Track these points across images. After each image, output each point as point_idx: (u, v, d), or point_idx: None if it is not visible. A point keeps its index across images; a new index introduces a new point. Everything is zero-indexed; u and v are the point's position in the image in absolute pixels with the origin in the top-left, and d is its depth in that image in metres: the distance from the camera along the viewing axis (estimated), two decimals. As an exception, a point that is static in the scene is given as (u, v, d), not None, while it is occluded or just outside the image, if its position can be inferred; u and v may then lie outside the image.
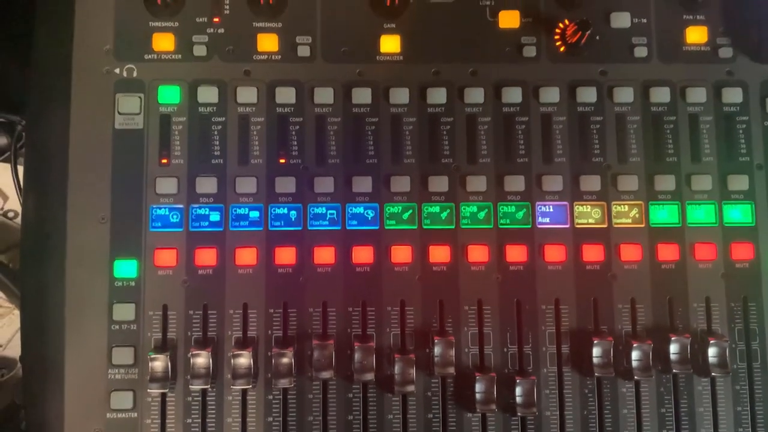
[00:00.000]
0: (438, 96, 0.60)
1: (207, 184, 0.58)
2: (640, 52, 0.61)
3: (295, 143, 0.59)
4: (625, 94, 0.61)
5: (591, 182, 0.60)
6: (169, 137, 0.59)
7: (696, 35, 0.62)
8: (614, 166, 0.60)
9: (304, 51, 0.60)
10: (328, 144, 0.59)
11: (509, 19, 0.61)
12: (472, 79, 0.61)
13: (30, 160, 0.59)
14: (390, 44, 0.61)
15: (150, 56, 0.59)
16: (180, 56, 0.60)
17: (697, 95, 0.61)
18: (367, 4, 0.61)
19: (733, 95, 0.61)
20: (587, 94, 0.61)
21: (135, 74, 0.59)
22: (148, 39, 0.60)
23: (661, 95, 0.61)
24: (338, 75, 0.60)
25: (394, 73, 0.60)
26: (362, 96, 0.60)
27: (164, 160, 0.59)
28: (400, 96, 0.60)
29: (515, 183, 0.59)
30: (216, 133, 0.59)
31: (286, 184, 0.59)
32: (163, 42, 0.60)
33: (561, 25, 0.61)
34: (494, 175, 0.60)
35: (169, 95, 0.59)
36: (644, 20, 0.62)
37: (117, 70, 0.59)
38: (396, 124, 0.60)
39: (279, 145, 0.59)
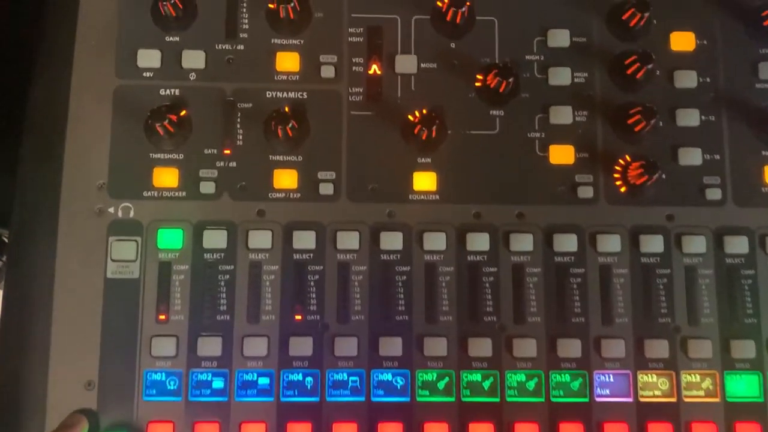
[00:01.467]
0: (479, 242, 0.52)
1: (210, 345, 0.50)
2: (713, 193, 0.53)
3: (314, 296, 0.51)
4: (695, 244, 0.53)
5: (657, 348, 0.51)
6: (169, 289, 0.51)
7: (776, 174, 0.54)
8: (684, 328, 0.52)
9: (326, 188, 0.52)
10: (352, 297, 0.51)
11: (562, 155, 0.53)
12: (519, 223, 0.53)
13: (8, 312, 0.51)
14: (425, 181, 0.53)
15: (150, 193, 0.52)
16: (184, 193, 0.52)
17: (781, 245, 0.53)
18: (398, 135, 0.53)
19: (823, 246, 0.53)
20: (652, 243, 0.52)
21: (132, 214, 0.52)
22: (148, 173, 0.52)
23: (737, 245, 0.53)
24: (365, 216, 0.52)
25: (429, 214, 0.53)
26: (392, 241, 0.52)
27: (162, 316, 0.50)
28: (436, 241, 0.52)
29: (570, 348, 0.51)
30: (223, 284, 0.51)
31: (301, 346, 0.50)
32: (166, 177, 0.52)
33: (622, 161, 0.53)
34: (546, 337, 0.51)
35: (171, 239, 0.51)
36: (717, 156, 0.54)
37: (111, 209, 0.51)
38: (431, 275, 0.52)
39: (295, 298, 0.51)
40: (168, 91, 0.53)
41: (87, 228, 0.51)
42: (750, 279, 0.52)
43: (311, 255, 0.52)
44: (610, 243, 0.52)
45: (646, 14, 0.53)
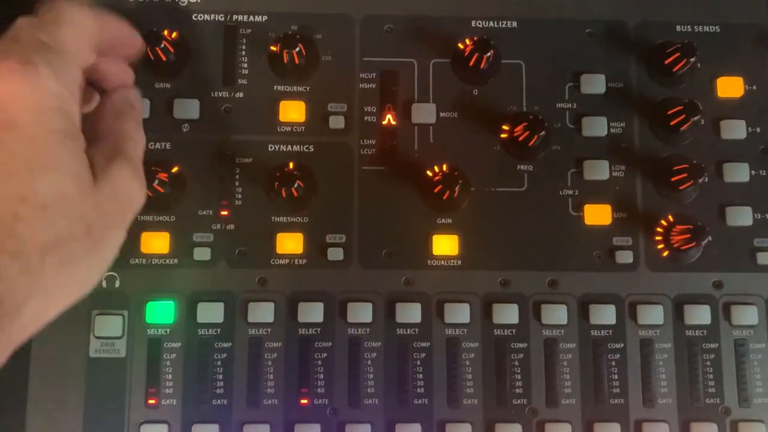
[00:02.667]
0: (507, 314, 0.47)
1: (206, 434, 0.44)
2: (765, 258, 0.48)
3: (322, 377, 0.46)
4: (746, 314, 0.47)
5: (705, 431, 0.46)
6: (159, 369, 0.45)
7: (836, 235, 0.49)
8: (734, 410, 0.46)
9: (335, 254, 0.47)
10: (365, 377, 0.46)
11: (598, 215, 0.48)
12: (552, 293, 0.47)
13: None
14: (445, 245, 0.47)
15: (137, 261, 0.46)
16: (176, 261, 0.46)
17: (843, 316, 0.47)
18: (415, 193, 0.48)
19: None
20: (698, 314, 0.47)
21: (117, 285, 0.46)
22: (135, 238, 0.46)
23: (793, 316, 0.47)
24: (379, 285, 0.47)
25: (450, 282, 0.47)
26: (410, 313, 0.46)
27: (152, 401, 0.45)
28: (459, 313, 0.47)
29: (608, 433, 0.46)
30: (219, 363, 0.46)
31: (309, 434, 0.45)
32: (156, 242, 0.46)
33: (664, 222, 0.48)
34: (582, 422, 0.46)
35: (161, 313, 0.46)
36: (769, 216, 0.48)
37: (94, 279, 0.46)
38: (453, 352, 0.46)
39: (300, 379, 0.46)
40: (158, 145, 0.47)
41: (67, 300, 0.45)
42: (808, 354, 0.47)
43: (318, 329, 0.46)
44: (652, 314, 0.47)
45: (693, 59, 0.47)
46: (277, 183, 0.45)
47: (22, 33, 0.33)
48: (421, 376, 0.46)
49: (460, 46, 0.48)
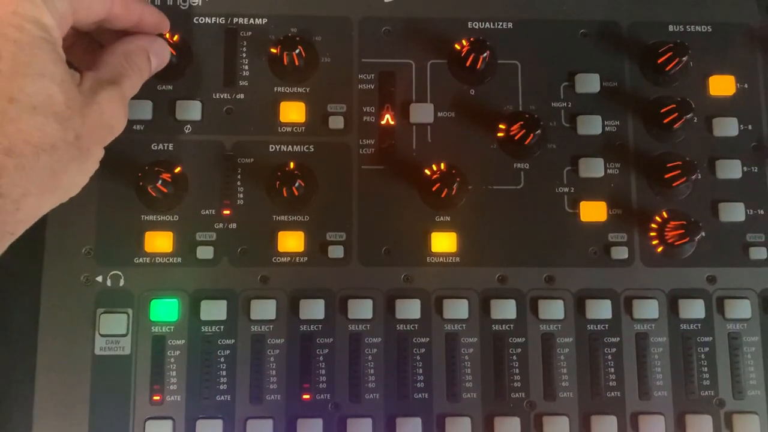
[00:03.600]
0: (505, 309, 0.47)
1: (210, 429, 0.45)
2: (758, 252, 0.49)
3: (323, 372, 0.47)
4: (739, 308, 0.48)
5: (700, 424, 0.47)
6: (164, 366, 0.46)
7: (827, 230, 0.49)
8: (728, 402, 0.47)
9: (336, 251, 0.48)
10: (366, 373, 0.47)
11: (593, 211, 0.49)
12: (548, 288, 0.48)
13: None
14: (444, 242, 0.48)
15: (141, 260, 0.47)
16: (180, 260, 0.47)
17: (834, 309, 0.48)
18: (414, 191, 0.49)
19: None
20: (692, 308, 0.48)
21: (122, 283, 0.47)
22: (139, 238, 0.47)
23: (786, 309, 0.48)
24: (379, 282, 0.48)
25: (449, 279, 0.48)
26: (409, 309, 0.47)
27: (157, 397, 0.46)
28: (458, 309, 0.47)
29: (606, 425, 0.47)
30: (223, 360, 0.46)
31: (310, 428, 0.46)
32: (159, 241, 0.47)
33: (658, 218, 0.49)
34: (579, 415, 0.47)
35: (165, 311, 0.47)
36: (761, 212, 0.49)
37: (99, 278, 0.47)
38: (452, 347, 0.47)
39: (302, 375, 0.46)
40: (161, 146, 0.48)
41: (72, 299, 0.46)
42: (799, 346, 0.48)
43: (320, 326, 0.47)
44: (647, 309, 0.48)
45: (685, 58, 0.48)
46: (278, 182, 0.46)
47: None
48: (420, 371, 0.47)
49: (457, 47, 0.49)
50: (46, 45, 0.35)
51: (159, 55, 0.44)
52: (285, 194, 0.46)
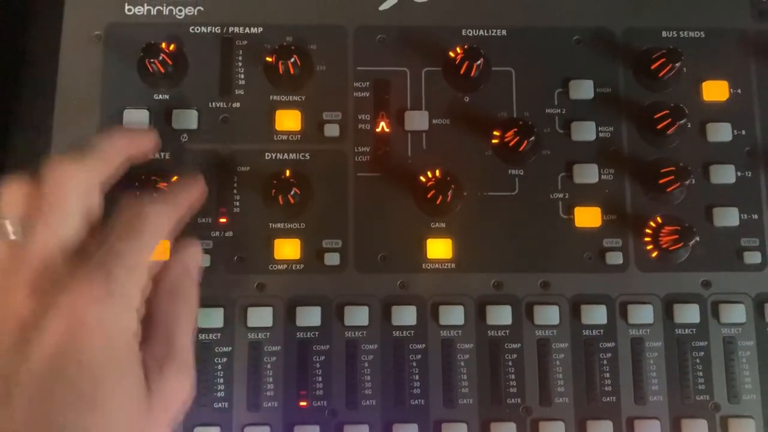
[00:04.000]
0: (500, 315, 0.48)
1: (208, 437, 0.45)
2: (752, 257, 0.49)
3: (320, 379, 0.47)
4: (734, 313, 0.48)
5: (695, 428, 0.47)
6: (161, 374, 0.46)
7: (821, 235, 0.50)
8: (724, 406, 0.47)
9: (332, 258, 0.48)
10: (362, 379, 0.47)
11: (588, 217, 0.49)
12: (544, 294, 0.48)
13: None
14: (439, 249, 0.49)
15: (139, 268, 0.47)
16: (177, 268, 0.47)
17: (826, 313, 0.48)
18: (409, 198, 0.49)
19: None
20: (687, 313, 0.48)
21: (119, 292, 0.47)
22: (136, 246, 0.47)
23: (780, 313, 0.48)
24: (375, 288, 0.48)
25: (444, 285, 0.48)
26: (405, 315, 0.48)
27: (154, 404, 0.46)
28: (453, 315, 0.48)
29: (601, 430, 0.47)
30: (220, 367, 0.47)
31: (308, 435, 0.46)
32: (157, 249, 0.47)
33: (653, 223, 0.49)
34: (575, 420, 0.47)
35: (162, 319, 0.46)
36: (756, 216, 0.50)
37: (97, 287, 0.47)
38: (448, 353, 0.47)
39: (299, 382, 0.47)
40: (158, 155, 0.48)
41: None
42: (795, 350, 0.48)
43: (316, 333, 0.47)
44: (642, 314, 0.48)
45: (678, 64, 0.48)
46: (274, 190, 0.46)
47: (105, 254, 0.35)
48: (417, 377, 0.47)
49: (451, 54, 0.50)
50: (130, 369, 0.34)
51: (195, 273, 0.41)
52: (281, 202, 0.46)
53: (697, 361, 0.48)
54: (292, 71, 0.48)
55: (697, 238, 0.47)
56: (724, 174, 0.50)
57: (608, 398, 0.47)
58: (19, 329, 0.33)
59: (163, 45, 0.48)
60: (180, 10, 0.50)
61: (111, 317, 0.33)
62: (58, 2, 0.50)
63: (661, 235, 0.48)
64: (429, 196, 0.47)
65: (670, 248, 0.47)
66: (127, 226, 0.36)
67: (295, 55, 0.47)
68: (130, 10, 0.50)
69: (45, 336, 0.32)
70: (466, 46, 0.48)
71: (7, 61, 0.51)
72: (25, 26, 0.51)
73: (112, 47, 0.49)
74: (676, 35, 0.52)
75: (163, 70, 0.48)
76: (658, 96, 0.51)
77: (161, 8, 0.50)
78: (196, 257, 0.41)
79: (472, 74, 0.49)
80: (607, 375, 0.48)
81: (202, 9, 0.51)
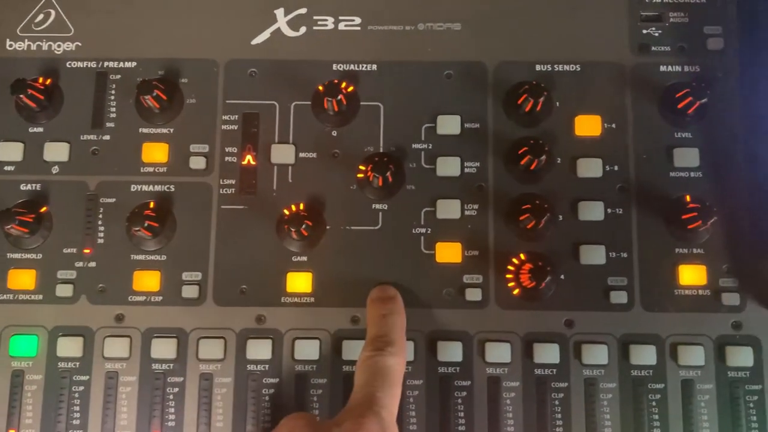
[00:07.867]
0: (357, 350, 0.47)
1: (60, 465, 0.46)
2: (619, 297, 0.48)
3: (173, 413, 0.47)
4: (596, 354, 0.47)
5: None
6: (21, 401, 0.47)
7: (691, 275, 0.48)
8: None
9: (190, 291, 0.49)
10: (214, 415, 0.47)
11: (449, 253, 0.49)
12: (401, 330, 0.48)
13: None
14: (299, 282, 0.49)
15: (4, 296, 0.49)
16: (41, 297, 0.49)
17: (693, 356, 0.47)
18: (272, 231, 0.49)
19: (739, 356, 0.47)
20: (547, 353, 0.47)
21: (-17, 320, 0.48)
22: (2, 275, 0.49)
23: (644, 355, 0.47)
24: (232, 321, 0.48)
25: (303, 319, 0.48)
26: (260, 350, 0.48)
27: (12, 431, 0.47)
28: (309, 350, 0.48)
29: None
30: (77, 396, 0.47)
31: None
32: (22, 279, 0.49)
33: (515, 260, 0.48)
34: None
35: (24, 347, 0.48)
36: (624, 255, 0.49)
37: (-39, 315, 0.48)
38: (301, 388, 0.47)
39: (152, 414, 0.47)
40: (29, 186, 0.50)
41: (-64, 335, 0.48)
42: (658, 394, 0.47)
43: (171, 365, 0.48)
44: (500, 352, 0.47)
45: (541, 99, 0.48)
46: (128, 223, 0.47)
47: None
48: (269, 414, 0.47)
49: (320, 88, 0.50)
50: None
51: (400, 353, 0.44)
52: (134, 234, 0.47)
53: (556, 403, 0.47)
54: (157, 105, 0.49)
55: (551, 277, 0.46)
56: (592, 211, 0.49)
57: (460, 438, 0.47)
58: None
59: (40, 80, 0.50)
60: (59, 45, 0.52)
61: None
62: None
63: (521, 272, 0.47)
64: (286, 229, 0.47)
65: (528, 286, 0.47)
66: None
67: (157, 90, 0.48)
68: (11, 45, 0.52)
69: None
70: (326, 82, 0.48)
71: None
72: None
73: (-8, 81, 0.51)
74: (550, 69, 0.51)
75: (33, 105, 0.49)
76: (530, 131, 0.50)
77: (41, 44, 0.52)
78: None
79: (336, 109, 0.49)
80: (462, 415, 0.47)
81: (80, 44, 0.52)
